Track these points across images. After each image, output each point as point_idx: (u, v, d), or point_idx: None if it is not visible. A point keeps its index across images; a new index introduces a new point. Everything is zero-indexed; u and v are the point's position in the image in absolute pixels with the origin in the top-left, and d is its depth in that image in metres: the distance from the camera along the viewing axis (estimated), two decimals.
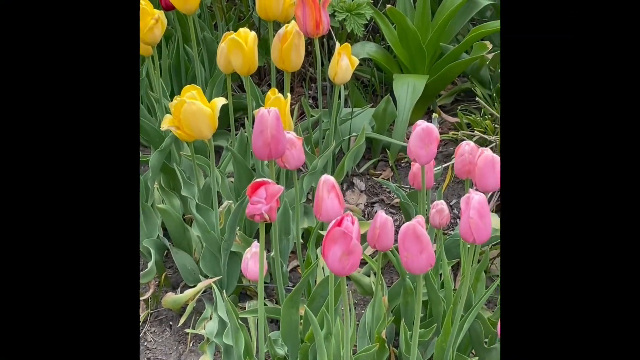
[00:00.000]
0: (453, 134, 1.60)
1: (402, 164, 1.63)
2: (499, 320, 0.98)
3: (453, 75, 1.69)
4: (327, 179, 0.96)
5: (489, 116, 1.55)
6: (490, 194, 1.49)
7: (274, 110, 0.96)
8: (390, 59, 1.70)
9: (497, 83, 1.63)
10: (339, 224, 0.85)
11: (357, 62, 1.33)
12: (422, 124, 1.04)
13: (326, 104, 1.61)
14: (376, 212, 1.57)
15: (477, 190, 1.07)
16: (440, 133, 1.66)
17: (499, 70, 1.63)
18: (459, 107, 1.71)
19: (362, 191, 1.58)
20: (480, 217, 0.96)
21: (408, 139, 1.06)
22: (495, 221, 1.36)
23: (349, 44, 1.31)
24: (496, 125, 1.52)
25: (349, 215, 0.86)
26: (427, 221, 1.16)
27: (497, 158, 1.05)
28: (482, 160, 1.05)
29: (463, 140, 1.56)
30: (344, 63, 1.30)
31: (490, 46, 1.56)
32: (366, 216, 1.53)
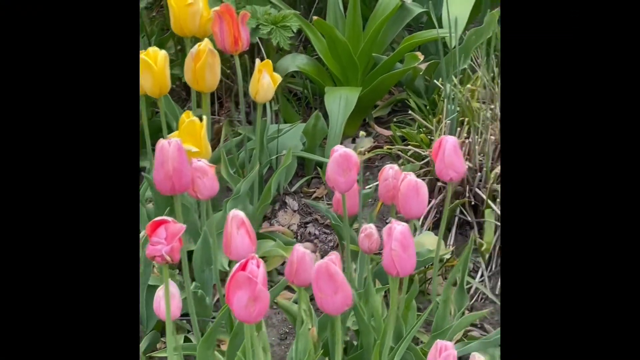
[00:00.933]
0: (388, 148, 1.54)
1: None
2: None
3: (387, 87, 1.62)
4: (236, 214, 0.89)
5: (424, 129, 1.49)
6: (427, 210, 1.44)
7: (174, 141, 0.89)
8: (323, 71, 1.63)
9: (432, 93, 1.57)
10: (243, 267, 0.78)
11: (279, 79, 1.26)
12: (339, 149, 0.98)
13: (252, 120, 1.54)
14: (309, 232, 1.51)
15: (399, 217, 1.01)
16: (376, 147, 1.60)
17: (434, 80, 1.57)
18: (395, 119, 1.65)
19: (295, 211, 1.51)
20: (403, 249, 0.90)
21: None
22: (429, 241, 1.31)
23: (270, 61, 1.24)
24: (431, 138, 1.46)
25: (254, 258, 0.79)
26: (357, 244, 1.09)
27: (422, 183, 0.99)
28: (405, 185, 0.99)
29: (398, 155, 1.51)
30: (265, 81, 1.23)
31: (421, 57, 1.50)
32: (299, 237, 1.46)
